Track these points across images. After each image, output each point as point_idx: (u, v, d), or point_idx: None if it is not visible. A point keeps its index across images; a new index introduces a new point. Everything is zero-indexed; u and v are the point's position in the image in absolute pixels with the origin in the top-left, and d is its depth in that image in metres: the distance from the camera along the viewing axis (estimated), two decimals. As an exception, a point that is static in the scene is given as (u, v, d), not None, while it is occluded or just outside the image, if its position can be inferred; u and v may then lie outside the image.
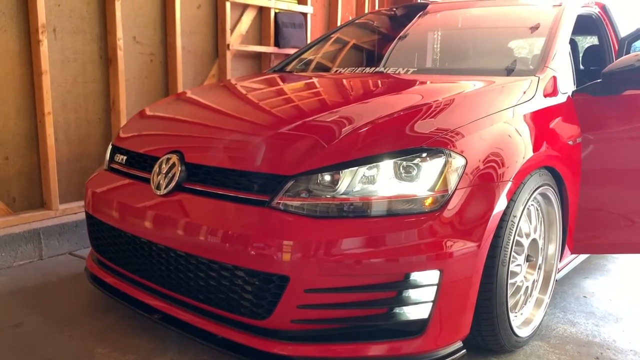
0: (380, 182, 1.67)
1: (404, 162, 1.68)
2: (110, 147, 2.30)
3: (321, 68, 2.98)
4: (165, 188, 1.85)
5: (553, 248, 2.20)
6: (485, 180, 1.73)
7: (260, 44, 4.28)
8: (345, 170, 1.66)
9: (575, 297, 2.56)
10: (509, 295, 1.90)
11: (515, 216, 1.81)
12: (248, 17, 4.15)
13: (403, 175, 1.68)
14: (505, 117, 1.94)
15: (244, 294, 1.67)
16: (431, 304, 1.64)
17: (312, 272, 1.59)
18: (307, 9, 4.54)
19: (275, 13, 4.27)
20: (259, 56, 4.31)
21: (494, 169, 1.77)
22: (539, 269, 2.15)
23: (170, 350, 1.99)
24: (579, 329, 2.24)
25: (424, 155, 1.69)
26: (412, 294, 1.63)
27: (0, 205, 2.91)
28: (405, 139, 1.74)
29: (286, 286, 1.59)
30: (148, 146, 2.07)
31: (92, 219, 2.19)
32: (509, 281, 1.91)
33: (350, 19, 3.83)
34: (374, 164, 1.67)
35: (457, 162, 1.70)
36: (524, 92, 2.13)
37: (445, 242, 1.63)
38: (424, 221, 1.62)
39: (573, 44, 3.56)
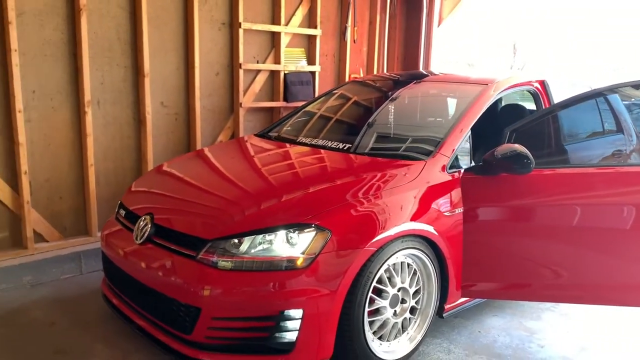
0: (273, 246, 2.45)
1: (288, 233, 2.45)
2: (119, 202, 3.22)
3: (290, 137, 3.75)
4: (140, 239, 2.73)
5: (432, 296, 2.87)
6: (345, 246, 2.46)
7: (272, 99, 5.14)
8: (245, 237, 2.46)
9: (470, 332, 3.18)
10: (376, 328, 2.63)
11: (371, 272, 2.52)
12: (261, 78, 5.02)
13: (288, 241, 2.45)
14: (382, 198, 2.64)
15: (178, 315, 2.51)
16: (297, 332, 2.39)
17: (217, 306, 2.40)
18: (315, 68, 5.35)
19: (285, 74, 5.11)
20: (270, 109, 5.17)
21: (354, 238, 2.49)
22: (413, 310, 2.82)
23: (145, 350, 2.86)
24: (451, 356, 2.89)
25: (302, 228, 2.45)
26: (284, 324, 2.39)
27: (55, 232, 3.95)
28: (291, 216, 2.51)
29: (200, 314, 2.41)
30: (136, 206, 2.97)
31: (103, 253, 3.12)
32: (377, 317, 2.64)
33: (331, 88, 4.55)
34: (266, 233, 2.45)
35: (324, 233, 2.44)
36: (406, 175, 2.82)
37: (307, 290, 2.38)
38: (294, 275, 2.39)
39: (520, 109, 4.12)
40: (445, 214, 2.85)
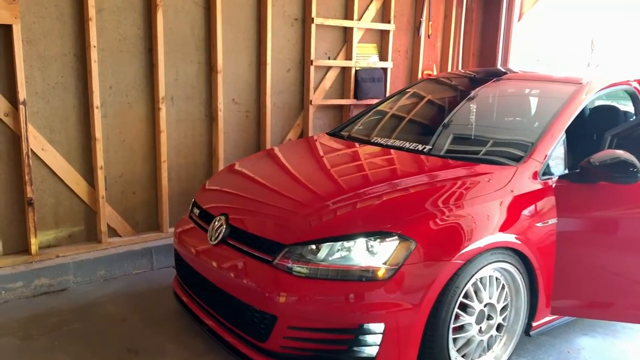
0: (352, 254, 2.31)
1: (368, 241, 2.31)
2: (192, 200, 3.17)
3: (364, 137, 3.60)
4: (214, 240, 2.66)
5: (519, 312, 2.65)
6: (430, 258, 2.30)
7: (342, 97, 5.00)
8: (323, 244, 2.33)
9: (558, 351, 2.94)
10: (460, 345, 2.45)
11: (457, 287, 2.34)
12: (332, 75, 4.89)
13: (368, 250, 2.31)
14: (468, 206, 2.46)
15: (252, 321, 2.42)
16: (377, 347, 2.25)
17: (294, 315, 2.29)
18: (387, 64, 5.17)
19: (356, 70, 4.96)
20: (340, 106, 5.04)
21: (440, 250, 2.32)
22: (499, 327, 2.62)
23: (214, 352, 2.81)
24: (539, 380, 2.67)
25: (384, 237, 2.30)
26: (364, 338, 2.25)
27: (127, 227, 3.98)
28: (371, 223, 2.36)
29: (276, 322, 2.31)
30: (211, 206, 2.91)
31: (176, 251, 3.08)
32: (462, 334, 2.45)
33: (403, 87, 4.33)
34: (345, 241, 2.32)
35: (407, 243, 2.28)
36: (492, 181, 2.61)
37: (389, 303, 2.23)
38: (376, 287, 2.24)
39: (615, 111, 3.79)
40: (538, 224, 2.63)
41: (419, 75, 5.49)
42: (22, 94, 3.32)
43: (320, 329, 2.29)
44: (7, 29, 3.24)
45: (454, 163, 2.88)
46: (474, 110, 3.58)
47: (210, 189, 3.18)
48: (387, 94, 5.16)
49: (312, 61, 4.64)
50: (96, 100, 3.61)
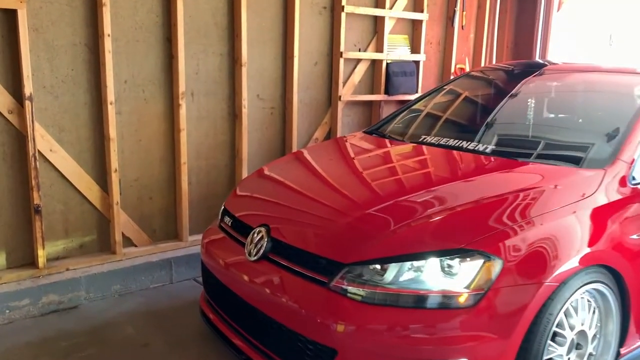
0: (423, 276, 1.94)
1: (445, 261, 1.93)
2: (222, 207, 2.80)
3: (410, 134, 3.23)
4: (254, 256, 2.29)
5: (609, 339, 2.28)
6: (521, 281, 1.92)
7: (372, 92, 4.62)
8: (391, 263, 1.96)
9: (645, 381, 2.57)
10: (548, 382, 2.07)
11: (551, 314, 1.97)
12: (361, 69, 4.51)
13: (444, 271, 1.93)
14: (556, 218, 2.09)
15: (304, 354, 2.05)
16: (460, 387, 1.88)
17: (358, 349, 1.91)
18: (420, 57, 4.79)
19: (387, 63, 4.58)
20: (369, 102, 4.66)
21: (532, 270, 1.94)
22: (589, 358, 2.24)
23: (253, 385, 2.43)
24: (634, 418, 2.30)
25: (464, 256, 1.92)
26: (442, 377, 1.88)
27: (144, 236, 3.61)
28: (449, 239, 1.99)
29: (335, 358, 1.94)
30: (246, 215, 2.54)
31: (203, 265, 2.71)
32: (551, 369, 2.08)
33: (445, 81, 3.92)
34: (417, 260, 1.95)
35: (495, 263, 1.91)
36: (587, 188, 2.24)
37: (475, 336, 1.86)
38: (457, 316, 1.87)
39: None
40: (632, 237, 2.25)
41: (452, 69, 5.11)
42: (28, 89, 2.95)
43: (390, 366, 1.92)
44: (12, 14, 2.87)
45: (524, 165, 2.51)
46: (532, 105, 3.20)
47: (242, 195, 2.81)
48: (419, 89, 4.79)
49: (341, 53, 4.26)
50: (110, 96, 3.23)
